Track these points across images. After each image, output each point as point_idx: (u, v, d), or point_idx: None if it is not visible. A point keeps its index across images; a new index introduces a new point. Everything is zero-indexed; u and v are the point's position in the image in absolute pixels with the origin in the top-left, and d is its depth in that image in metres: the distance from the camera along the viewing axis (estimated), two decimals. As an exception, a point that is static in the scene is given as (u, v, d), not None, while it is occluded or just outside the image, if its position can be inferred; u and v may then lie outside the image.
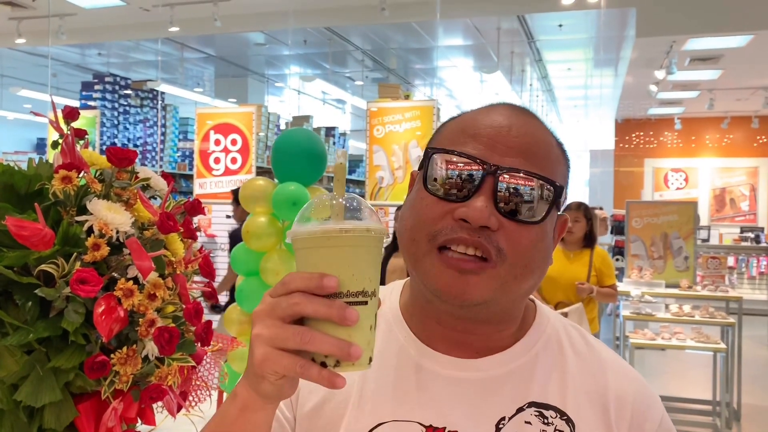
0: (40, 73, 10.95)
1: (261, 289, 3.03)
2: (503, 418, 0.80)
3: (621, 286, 5.65)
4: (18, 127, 15.57)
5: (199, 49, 10.61)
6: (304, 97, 13.40)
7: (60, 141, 1.45)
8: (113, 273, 1.34)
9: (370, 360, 0.65)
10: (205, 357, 1.55)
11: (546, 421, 0.81)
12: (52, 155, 1.47)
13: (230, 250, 5.06)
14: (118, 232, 1.34)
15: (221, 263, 6.94)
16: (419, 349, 0.84)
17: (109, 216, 1.32)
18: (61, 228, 1.30)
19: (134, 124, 10.52)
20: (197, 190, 7.55)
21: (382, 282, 4.56)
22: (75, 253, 1.30)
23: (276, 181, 3.16)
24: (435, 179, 0.78)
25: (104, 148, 9.19)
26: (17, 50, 10.03)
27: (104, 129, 9.82)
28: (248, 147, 7.41)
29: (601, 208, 6.36)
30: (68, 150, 1.43)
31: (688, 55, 8.57)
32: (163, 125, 10.58)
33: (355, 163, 12.54)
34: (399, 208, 5.11)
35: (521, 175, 0.76)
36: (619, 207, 11.86)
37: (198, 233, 1.62)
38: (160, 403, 1.44)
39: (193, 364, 1.45)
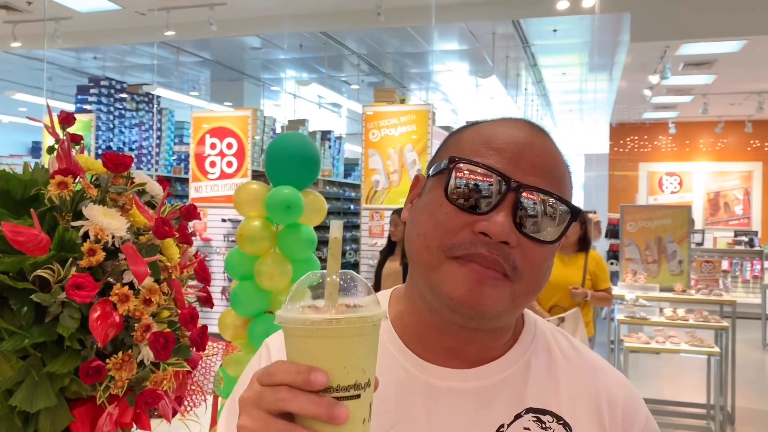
0: (35, 76, 10.94)
1: (255, 293, 3.03)
2: (502, 426, 0.81)
3: (616, 290, 5.65)
4: (13, 130, 15.55)
5: (194, 53, 10.61)
6: (299, 101, 13.41)
7: (56, 146, 1.46)
8: (109, 278, 1.34)
9: None
10: (200, 361, 1.56)
11: (544, 425, 0.81)
12: (47, 159, 1.47)
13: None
14: (113, 237, 1.34)
15: (217, 267, 6.94)
16: (414, 363, 0.84)
17: (105, 221, 1.33)
18: (57, 233, 1.30)
19: (130, 128, 10.51)
20: (193, 194, 7.54)
21: (377, 286, 4.52)
22: (71, 259, 1.30)
23: (270, 185, 3.17)
24: (457, 188, 0.78)
25: (100, 151, 9.19)
26: (13, 54, 10.01)
27: (100, 133, 9.81)
28: (244, 151, 7.41)
29: (594, 212, 6.36)
30: (64, 155, 1.43)
31: (682, 60, 8.61)
32: (159, 129, 10.57)
33: (350, 167, 12.54)
34: (395, 211, 5.11)
35: (543, 194, 0.77)
36: (614, 211, 11.88)
37: (193, 237, 1.62)
38: (155, 408, 1.44)
39: (189, 368, 1.46)
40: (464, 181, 0.78)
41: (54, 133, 1.49)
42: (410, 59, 10.77)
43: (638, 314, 5.24)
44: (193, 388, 1.60)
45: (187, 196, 8.16)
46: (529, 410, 0.82)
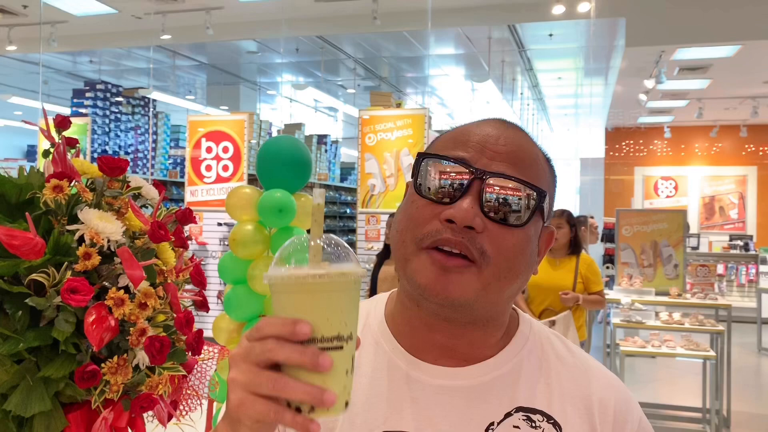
0: (31, 80, 10.92)
1: (249, 297, 3.02)
2: (492, 424, 0.82)
3: (611, 294, 5.66)
4: (8, 134, 15.51)
5: (190, 57, 10.60)
6: (296, 105, 13.41)
7: (51, 150, 1.45)
8: (104, 282, 1.34)
9: (347, 404, 0.65)
10: (195, 366, 1.55)
11: (534, 424, 0.82)
12: (42, 162, 1.47)
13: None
14: (109, 241, 1.34)
15: (212, 271, 6.92)
16: (407, 360, 0.85)
17: (100, 225, 1.33)
18: (52, 237, 1.30)
19: (125, 132, 10.50)
20: (188, 198, 7.53)
21: (373, 289, 4.53)
22: (66, 263, 1.30)
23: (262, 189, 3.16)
24: (425, 183, 0.81)
25: (95, 155, 9.17)
26: (8, 57, 10.00)
27: (95, 136, 9.79)
28: (240, 155, 7.41)
29: (591, 217, 6.38)
30: (59, 159, 1.43)
31: (677, 65, 8.64)
32: (155, 133, 10.56)
33: (347, 171, 12.54)
34: (392, 215, 5.12)
35: (506, 179, 0.79)
36: (610, 215, 11.90)
37: (189, 241, 1.62)
38: (150, 413, 1.44)
39: (184, 373, 1.45)
40: (431, 175, 0.81)
41: (50, 137, 1.49)
42: (406, 63, 10.79)
43: (634, 318, 5.25)
44: (188, 392, 1.59)
45: (182, 200, 8.15)
46: (519, 409, 0.83)
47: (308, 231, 0.69)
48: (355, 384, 0.83)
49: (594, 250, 8.16)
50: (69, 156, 1.46)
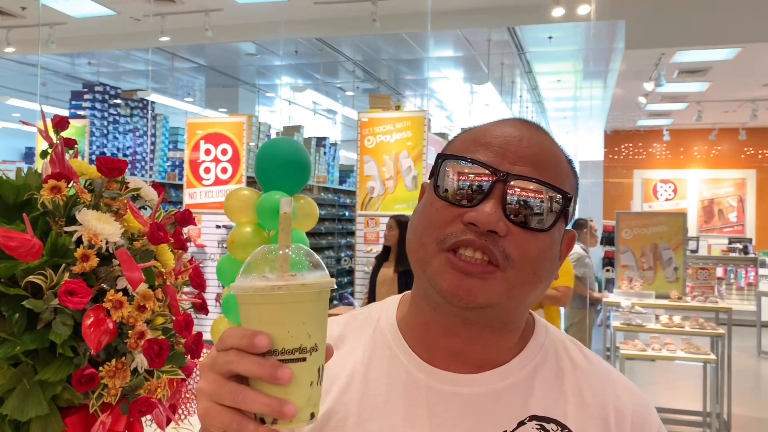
0: (29, 82, 10.90)
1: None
2: None
3: (611, 297, 5.65)
4: (6, 136, 15.48)
5: (189, 59, 10.59)
6: (295, 108, 13.40)
7: (49, 151, 1.44)
8: (102, 284, 1.32)
9: (313, 415, 0.65)
10: (195, 369, 1.54)
11: None
12: (40, 164, 1.45)
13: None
14: (107, 242, 1.32)
15: (211, 274, 6.90)
16: (419, 366, 0.84)
17: (99, 226, 1.31)
18: (50, 238, 1.28)
19: (124, 134, 10.48)
20: (187, 200, 7.52)
21: (372, 292, 4.49)
22: (63, 264, 1.28)
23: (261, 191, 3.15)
24: (445, 185, 0.79)
25: (93, 157, 9.15)
26: (6, 59, 9.98)
27: (94, 138, 9.78)
28: (239, 157, 7.39)
29: (591, 220, 6.36)
30: (57, 160, 1.41)
31: (677, 68, 8.65)
32: (153, 135, 10.54)
33: (346, 173, 12.53)
34: (391, 217, 5.10)
35: (530, 182, 0.77)
36: (609, 218, 11.91)
37: (188, 243, 1.60)
38: (149, 416, 1.42)
39: (183, 376, 1.44)
40: (452, 177, 0.79)
41: (47, 138, 1.47)
42: (405, 66, 10.78)
43: (634, 321, 5.24)
44: (187, 396, 1.57)
45: (181, 203, 8.13)
46: (533, 417, 0.81)
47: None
48: (368, 390, 0.83)
49: (593, 253, 8.15)
50: (67, 157, 1.44)
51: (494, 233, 0.75)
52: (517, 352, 0.85)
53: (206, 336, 2.17)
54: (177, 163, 10.55)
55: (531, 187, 0.77)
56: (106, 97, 10.27)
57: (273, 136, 10.29)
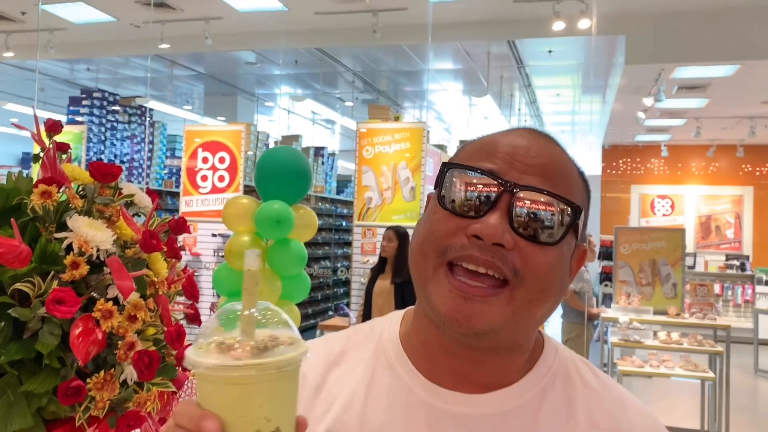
0: (27, 87, 10.88)
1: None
2: None
3: (609, 312, 5.62)
4: (3, 141, 15.43)
5: (189, 67, 10.59)
6: (293, 117, 13.40)
7: (41, 155, 1.40)
8: (92, 293, 1.28)
9: None
10: (186, 381, 1.49)
11: None
12: (36, 170, 1.42)
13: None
14: (98, 250, 1.28)
15: (206, 282, 6.86)
16: (423, 385, 0.80)
17: (90, 233, 1.27)
18: (39, 245, 1.24)
19: (121, 140, 10.46)
20: (183, 208, 7.47)
21: (368, 304, 4.44)
22: (52, 272, 1.24)
23: (260, 199, 3.11)
24: (450, 194, 0.76)
25: (90, 163, 9.12)
26: (5, 63, 9.96)
27: (91, 144, 9.75)
28: (236, 165, 7.36)
29: (589, 235, 6.34)
30: (49, 164, 1.38)
31: (676, 83, 8.66)
32: (151, 142, 10.51)
33: (343, 183, 12.51)
34: (389, 228, 5.06)
35: (539, 193, 0.74)
36: (606, 232, 11.90)
37: (182, 252, 1.56)
38: (138, 430, 1.37)
39: (174, 389, 1.39)
40: (456, 186, 0.75)
41: (40, 141, 1.43)
42: (405, 77, 10.79)
43: (632, 337, 5.20)
44: (178, 409, 1.53)
45: (177, 210, 8.09)
46: None
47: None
48: (369, 409, 0.79)
49: (591, 268, 8.12)
50: (60, 161, 1.40)
51: (500, 246, 0.72)
52: (525, 372, 0.81)
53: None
54: (174, 170, 10.52)
55: (539, 199, 0.73)
56: (105, 103, 10.25)
57: (271, 145, 10.28)
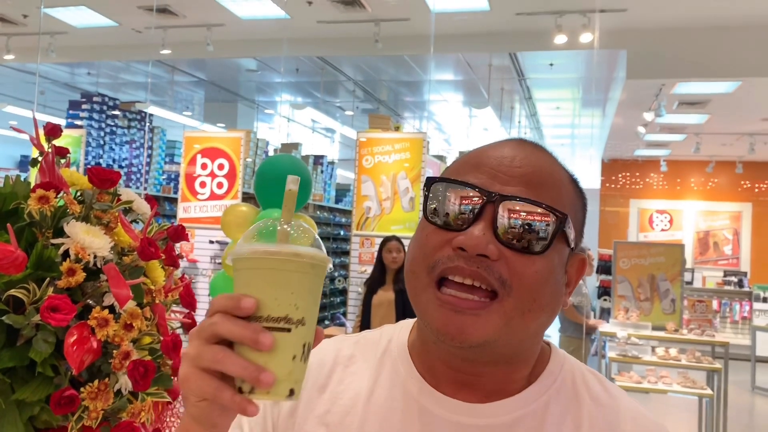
0: (27, 90, 10.87)
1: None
2: None
3: (607, 327, 5.60)
4: (1, 143, 15.42)
5: (189, 73, 10.59)
6: (293, 125, 13.40)
7: (40, 159, 1.38)
8: (88, 300, 1.26)
9: (292, 392, 0.62)
10: (181, 392, 1.47)
11: None
12: (34, 174, 1.40)
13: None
14: (95, 256, 1.26)
15: (202, 290, 6.82)
16: (425, 392, 0.80)
17: (87, 239, 1.25)
18: (35, 250, 1.22)
19: (120, 145, 10.43)
20: (181, 214, 7.45)
21: (367, 316, 4.40)
22: (48, 278, 1.22)
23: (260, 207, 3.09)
24: (435, 208, 0.76)
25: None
26: (5, 66, 9.95)
27: (90, 149, 9.72)
28: (235, 172, 7.34)
29: (588, 249, 6.33)
30: (48, 168, 1.36)
31: (677, 99, 8.67)
32: (150, 147, 10.49)
33: (342, 192, 12.49)
34: (392, 239, 5.02)
35: (521, 202, 0.73)
36: (604, 246, 11.88)
37: (180, 259, 1.54)
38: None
39: (169, 399, 1.37)
40: (441, 200, 0.76)
41: (39, 145, 1.41)
42: (406, 87, 10.80)
43: (630, 353, 5.17)
44: (172, 419, 1.50)
45: (175, 216, 8.06)
46: None
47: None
48: (370, 415, 0.79)
49: (588, 282, 8.10)
50: (58, 166, 1.38)
51: (485, 258, 0.71)
52: (528, 383, 0.80)
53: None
54: (173, 176, 10.50)
55: (523, 208, 0.73)
56: (104, 107, 10.23)
57: (271, 152, 10.27)
